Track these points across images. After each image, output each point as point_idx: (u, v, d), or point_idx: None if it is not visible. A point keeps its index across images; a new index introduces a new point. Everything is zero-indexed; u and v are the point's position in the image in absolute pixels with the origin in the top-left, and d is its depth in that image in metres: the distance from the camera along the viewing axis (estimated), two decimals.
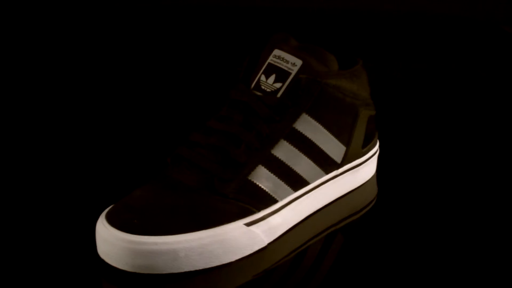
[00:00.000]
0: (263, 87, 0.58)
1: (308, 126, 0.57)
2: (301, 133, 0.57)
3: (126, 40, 1.37)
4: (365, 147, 0.64)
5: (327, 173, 0.60)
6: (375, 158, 0.68)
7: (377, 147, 0.68)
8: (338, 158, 0.61)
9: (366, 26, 1.46)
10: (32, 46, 1.32)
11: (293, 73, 0.57)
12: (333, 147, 0.60)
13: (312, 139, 0.58)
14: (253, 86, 0.58)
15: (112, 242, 0.51)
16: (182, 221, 0.51)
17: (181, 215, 0.52)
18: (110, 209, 0.53)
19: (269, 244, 0.56)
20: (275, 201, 0.56)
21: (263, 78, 0.58)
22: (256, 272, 0.54)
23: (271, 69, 0.58)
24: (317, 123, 0.57)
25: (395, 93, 1.05)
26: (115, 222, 0.52)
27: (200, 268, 0.52)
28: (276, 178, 0.56)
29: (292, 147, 0.56)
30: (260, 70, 0.59)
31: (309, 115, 0.57)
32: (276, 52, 0.58)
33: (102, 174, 0.72)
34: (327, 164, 0.60)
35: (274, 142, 0.56)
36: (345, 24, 1.46)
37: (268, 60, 0.59)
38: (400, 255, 0.56)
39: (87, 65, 1.21)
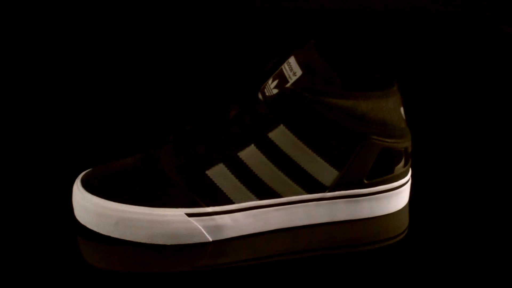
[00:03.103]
0: (265, 90, 0.57)
1: (284, 139, 0.55)
2: (275, 143, 0.55)
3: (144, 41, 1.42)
4: (372, 179, 0.58)
5: (309, 192, 0.57)
6: (393, 196, 0.60)
7: (396, 184, 0.60)
8: (326, 181, 0.57)
9: (367, 26, 1.50)
10: (23, 44, 1.38)
11: (290, 82, 0.55)
12: (318, 168, 0.56)
13: (287, 153, 0.55)
14: (262, 88, 0.58)
15: (74, 196, 0.58)
16: (127, 193, 0.55)
17: (132, 188, 0.56)
18: (93, 168, 0.60)
19: (214, 242, 0.56)
20: (230, 202, 0.56)
21: (270, 81, 0.58)
22: (197, 265, 0.56)
23: (279, 74, 0.57)
24: (296, 139, 0.55)
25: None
26: (83, 179, 0.58)
27: (132, 240, 0.55)
28: (236, 180, 0.55)
29: (261, 154, 0.55)
30: (274, 73, 0.58)
31: (287, 128, 0.55)
32: (291, 58, 0.57)
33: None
34: (308, 183, 0.57)
35: (243, 145, 0.55)
36: (346, 24, 1.52)
37: (282, 65, 0.58)
38: None
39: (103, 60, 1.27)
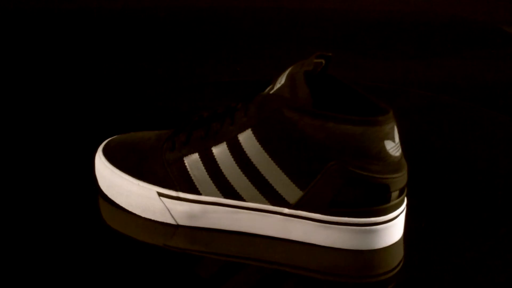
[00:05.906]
0: (262, 94, 0.57)
1: (250, 144, 0.55)
2: (242, 147, 0.55)
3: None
4: (339, 208, 0.54)
5: (272, 204, 0.56)
6: (361, 232, 0.54)
7: (365, 221, 0.54)
8: (288, 197, 0.55)
9: (366, 26, 1.54)
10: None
11: (273, 89, 0.54)
12: (280, 182, 0.54)
13: (251, 158, 0.55)
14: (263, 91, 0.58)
15: (96, 155, 0.65)
16: (125, 160, 0.61)
17: (131, 157, 0.61)
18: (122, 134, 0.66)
19: (181, 226, 0.59)
20: (197, 192, 0.58)
21: (270, 87, 0.57)
22: (166, 243, 0.59)
23: (275, 81, 0.56)
24: (260, 147, 0.54)
25: (393, 92, 1.00)
26: (108, 141, 0.65)
27: (118, 203, 0.61)
28: (206, 173, 0.57)
29: (229, 154, 0.56)
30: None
31: (253, 134, 0.54)
32: (290, 67, 0.56)
33: None
34: (270, 195, 0.55)
35: (217, 141, 0.56)
36: (345, 24, 1.54)
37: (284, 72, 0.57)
38: None
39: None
